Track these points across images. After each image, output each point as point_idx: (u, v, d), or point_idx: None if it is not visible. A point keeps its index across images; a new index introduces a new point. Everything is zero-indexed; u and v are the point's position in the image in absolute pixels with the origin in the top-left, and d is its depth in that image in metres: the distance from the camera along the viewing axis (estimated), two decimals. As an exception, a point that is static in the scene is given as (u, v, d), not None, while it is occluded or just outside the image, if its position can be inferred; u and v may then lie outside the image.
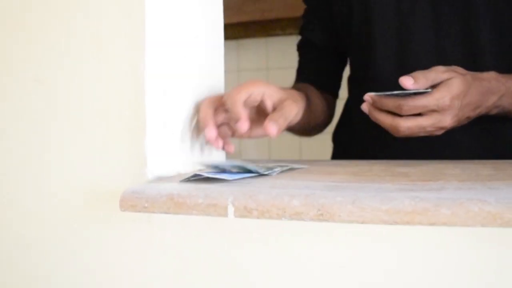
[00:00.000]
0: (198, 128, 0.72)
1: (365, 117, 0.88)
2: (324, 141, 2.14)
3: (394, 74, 0.96)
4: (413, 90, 0.78)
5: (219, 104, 0.72)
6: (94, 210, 0.65)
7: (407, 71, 0.85)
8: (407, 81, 0.80)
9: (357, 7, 1.07)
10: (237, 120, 0.69)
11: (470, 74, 0.85)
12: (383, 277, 0.56)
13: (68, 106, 0.66)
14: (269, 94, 0.74)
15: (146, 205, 0.56)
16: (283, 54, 2.35)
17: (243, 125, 0.68)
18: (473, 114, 0.86)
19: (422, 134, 0.83)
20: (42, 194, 0.68)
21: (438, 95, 0.80)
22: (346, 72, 1.23)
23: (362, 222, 0.49)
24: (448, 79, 0.81)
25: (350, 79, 1.19)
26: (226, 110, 0.72)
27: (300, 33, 1.23)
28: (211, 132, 0.68)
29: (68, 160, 0.66)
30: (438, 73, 0.82)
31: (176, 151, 0.68)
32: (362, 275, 0.56)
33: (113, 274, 0.65)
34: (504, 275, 0.52)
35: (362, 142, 1.09)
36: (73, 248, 0.67)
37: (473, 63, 0.97)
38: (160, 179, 0.64)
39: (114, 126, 0.64)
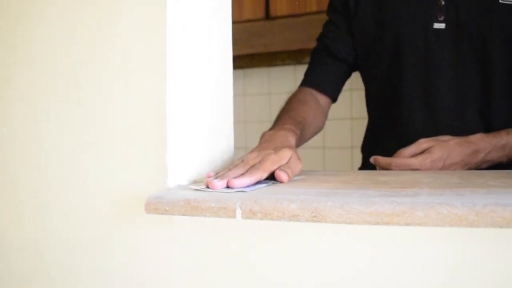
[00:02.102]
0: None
1: (391, 134, 0.98)
2: (317, 154, 2.15)
3: (419, 100, 1.01)
4: None
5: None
6: (124, 212, 0.66)
7: (431, 99, 0.94)
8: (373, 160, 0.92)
9: (389, 37, 1.06)
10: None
11: (455, 140, 0.89)
12: (366, 268, 0.56)
13: (103, 125, 0.67)
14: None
15: (167, 208, 0.56)
16: (282, 81, 2.36)
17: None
18: (462, 169, 0.90)
19: None
20: (81, 199, 0.68)
21: (420, 159, 0.86)
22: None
23: (349, 223, 0.49)
24: (429, 147, 0.87)
25: (376, 98, 1.17)
26: None
27: (318, 40, 1.19)
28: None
29: (102, 171, 0.67)
30: (418, 145, 0.89)
31: (192, 164, 0.69)
32: (349, 267, 0.56)
33: (139, 266, 0.65)
34: (467, 268, 0.52)
35: (386, 154, 1.08)
36: (106, 244, 0.67)
37: (487, 98, 0.99)
38: (179, 186, 0.64)
39: (140, 143, 0.64)
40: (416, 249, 0.54)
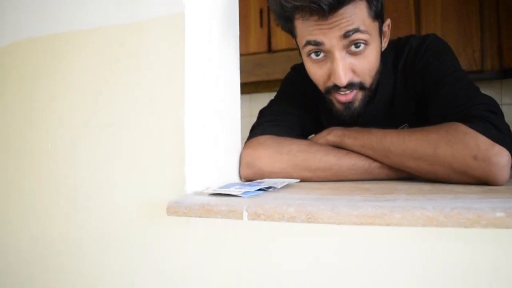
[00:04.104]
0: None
1: None
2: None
3: None
4: None
5: None
6: (148, 215, 0.66)
7: None
8: None
9: None
10: None
11: None
12: (352, 261, 0.56)
13: (130, 142, 0.67)
14: None
15: (185, 211, 0.57)
16: (282, 104, 2.36)
17: None
18: None
19: None
20: (113, 204, 0.68)
21: None
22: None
23: (339, 224, 0.49)
24: None
25: None
26: None
27: (288, 104, 1.09)
28: None
29: (131, 180, 0.67)
30: None
31: (205, 174, 0.69)
32: (338, 260, 0.56)
33: (161, 259, 0.65)
34: (437, 261, 0.52)
35: None
36: (133, 242, 0.67)
37: None
38: (195, 193, 0.64)
39: (162, 157, 0.65)
40: (394, 245, 0.54)
